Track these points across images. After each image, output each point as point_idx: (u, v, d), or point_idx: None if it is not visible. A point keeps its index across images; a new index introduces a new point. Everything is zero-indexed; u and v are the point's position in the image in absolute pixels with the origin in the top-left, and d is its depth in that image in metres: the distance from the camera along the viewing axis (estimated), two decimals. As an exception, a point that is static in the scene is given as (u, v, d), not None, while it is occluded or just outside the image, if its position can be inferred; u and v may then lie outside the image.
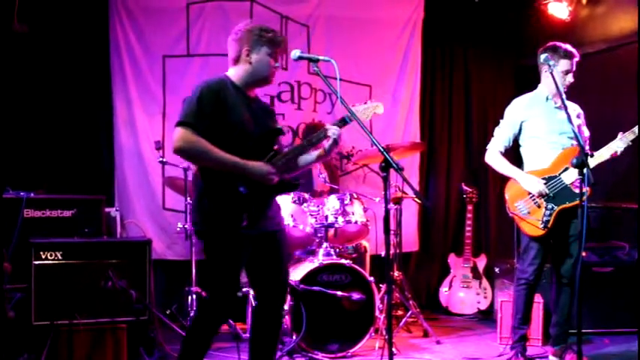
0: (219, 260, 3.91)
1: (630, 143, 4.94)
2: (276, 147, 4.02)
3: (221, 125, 3.83)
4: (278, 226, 4.12)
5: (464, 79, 7.87)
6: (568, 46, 5.05)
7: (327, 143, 4.08)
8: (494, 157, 5.27)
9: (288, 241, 4.30)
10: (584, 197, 4.77)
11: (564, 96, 4.90)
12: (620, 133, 4.93)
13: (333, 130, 4.03)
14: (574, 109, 5.20)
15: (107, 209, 5.88)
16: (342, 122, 4.07)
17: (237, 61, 4.00)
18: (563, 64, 5.00)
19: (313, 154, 4.18)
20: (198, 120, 3.77)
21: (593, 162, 4.89)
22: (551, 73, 4.72)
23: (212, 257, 3.94)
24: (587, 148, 5.18)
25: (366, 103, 4.29)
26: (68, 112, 6.49)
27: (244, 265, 4.02)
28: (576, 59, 5.05)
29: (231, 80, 3.98)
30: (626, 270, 6.11)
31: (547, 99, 5.11)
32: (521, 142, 5.23)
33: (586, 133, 5.24)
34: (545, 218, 4.95)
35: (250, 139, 3.93)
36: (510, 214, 5.13)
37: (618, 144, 4.93)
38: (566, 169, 4.93)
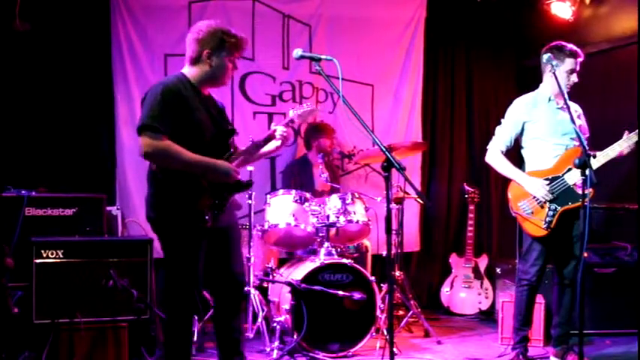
0: (180, 255, 3.98)
1: (633, 146, 4.93)
2: (232, 148, 4.15)
3: (181, 125, 3.87)
4: (228, 222, 4.19)
5: (466, 78, 7.86)
6: (573, 46, 5.04)
7: (274, 142, 4.28)
8: (495, 156, 5.25)
9: (239, 238, 4.40)
10: (587, 198, 4.80)
11: (567, 96, 4.90)
12: (626, 132, 4.92)
13: (280, 130, 4.24)
14: (575, 109, 5.18)
15: (108, 208, 5.87)
16: (290, 122, 4.31)
17: (196, 61, 4.04)
18: (569, 63, 4.98)
19: (263, 150, 4.34)
20: (162, 122, 3.81)
21: (598, 162, 4.89)
22: (554, 73, 4.71)
23: (172, 252, 4.02)
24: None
25: (302, 106, 4.44)
26: (70, 111, 6.48)
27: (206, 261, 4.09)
28: (581, 59, 5.04)
29: (188, 79, 4.02)
30: (628, 271, 6.10)
31: (549, 99, 5.10)
32: (523, 143, 5.21)
33: (586, 133, 5.24)
34: (548, 219, 4.94)
35: (207, 139, 3.99)
36: (513, 214, 5.12)
37: (623, 143, 4.92)
38: (570, 169, 4.92)
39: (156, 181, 3.97)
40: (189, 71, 4.06)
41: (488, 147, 5.33)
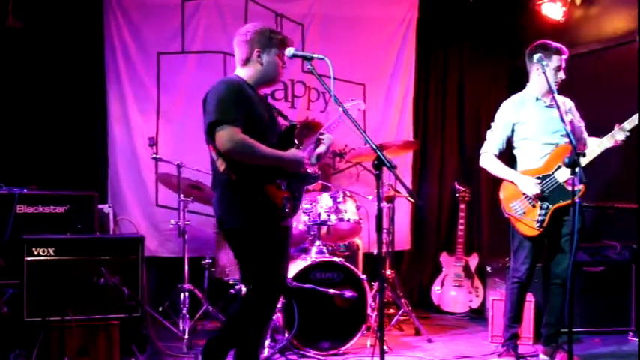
0: (265, 255, 3.92)
1: (618, 140, 4.95)
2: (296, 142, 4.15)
3: (249, 122, 3.85)
4: (291, 222, 4.23)
5: (458, 78, 7.89)
6: (556, 44, 5.08)
7: (320, 148, 4.24)
8: (489, 160, 5.28)
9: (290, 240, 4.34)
10: (577, 196, 4.82)
11: (556, 94, 4.93)
12: (617, 125, 4.95)
13: (325, 137, 4.24)
14: (564, 102, 5.20)
15: (100, 206, 5.87)
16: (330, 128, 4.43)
17: (247, 61, 4.06)
18: (555, 60, 5.01)
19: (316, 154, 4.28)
20: (236, 117, 3.80)
21: (585, 160, 4.91)
22: (544, 73, 4.74)
23: (256, 254, 3.92)
24: (584, 137, 5.20)
25: (350, 101, 4.43)
26: (62, 109, 6.49)
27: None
28: (565, 56, 5.06)
29: (244, 80, 4.03)
30: (617, 269, 6.14)
31: (537, 99, 5.12)
32: (514, 143, 5.23)
33: (581, 124, 5.26)
34: (540, 218, 4.97)
35: (273, 134, 4.02)
36: (506, 215, 5.14)
37: (610, 139, 4.94)
38: (559, 167, 4.93)
39: (229, 182, 3.87)
40: (242, 72, 4.06)
41: (481, 152, 5.35)
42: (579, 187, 4.79)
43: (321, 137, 4.25)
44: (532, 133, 5.11)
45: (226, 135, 3.75)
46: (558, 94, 5.11)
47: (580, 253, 5.95)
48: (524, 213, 5.03)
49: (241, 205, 3.86)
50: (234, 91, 3.87)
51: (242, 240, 3.94)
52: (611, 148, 4.99)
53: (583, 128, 5.26)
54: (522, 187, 5.03)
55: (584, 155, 4.97)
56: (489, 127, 5.35)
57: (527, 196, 5.02)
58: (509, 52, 7.93)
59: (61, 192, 5.54)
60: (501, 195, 5.17)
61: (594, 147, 4.99)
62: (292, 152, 3.99)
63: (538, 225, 4.97)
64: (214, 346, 4.00)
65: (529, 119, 5.11)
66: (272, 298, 4.02)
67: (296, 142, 4.14)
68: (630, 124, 4.92)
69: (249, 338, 4.05)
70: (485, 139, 5.36)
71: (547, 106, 5.08)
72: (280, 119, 4.22)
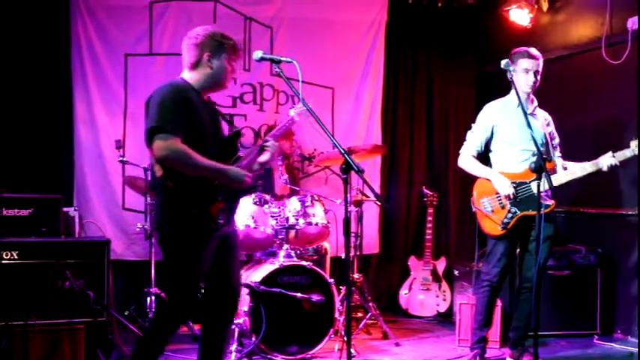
0: (187, 263, 3.88)
1: (603, 168, 4.99)
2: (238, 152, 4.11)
3: (190, 129, 3.81)
4: (234, 226, 4.19)
5: (426, 83, 7.92)
6: (529, 49, 5.12)
7: (264, 156, 4.19)
8: (467, 160, 5.31)
9: (238, 244, 4.31)
10: (550, 207, 4.88)
11: (525, 102, 4.97)
12: (610, 153, 4.96)
13: (270, 144, 4.18)
14: (544, 117, 5.27)
15: (65, 209, 5.81)
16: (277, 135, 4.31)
17: (196, 65, 4.00)
18: (522, 63, 5.04)
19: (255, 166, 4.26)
20: (176, 125, 3.74)
21: (561, 179, 4.97)
22: (512, 79, 4.77)
23: (178, 260, 3.90)
24: (557, 152, 5.25)
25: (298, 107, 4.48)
26: (26, 110, 6.41)
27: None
28: (536, 60, 5.08)
29: (190, 84, 3.98)
30: (582, 273, 6.20)
31: (517, 105, 5.15)
32: (492, 146, 5.27)
33: (556, 140, 5.31)
34: (506, 220, 5.01)
35: (214, 141, 3.97)
36: (474, 209, 5.19)
37: (593, 167, 4.98)
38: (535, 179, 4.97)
39: (165, 189, 3.84)
40: (189, 76, 4.00)
41: (460, 152, 5.38)
42: (549, 202, 4.86)
43: (265, 144, 4.19)
44: (511, 137, 5.15)
45: (163, 144, 3.70)
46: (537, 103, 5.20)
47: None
48: (492, 211, 5.08)
49: (176, 213, 3.83)
50: (178, 97, 3.81)
51: (173, 246, 3.90)
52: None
53: (557, 144, 5.30)
54: (496, 185, 5.07)
55: (550, 160, 5.02)
56: (469, 128, 5.38)
57: (499, 197, 5.06)
58: (477, 57, 8.00)
59: (25, 195, 5.47)
60: (475, 190, 5.21)
61: (568, 172, 5.02)
62: (234, 168, 3.93)
63: (502, 226, 5.01)
64: (137, 350, 4.00)
65: (509, 124, 5.16)
66: (187, 306, 3.94)
67: (240, 148, 4.12)
68: (624, 155, 4.93)
69: (156, 343, 3.98)
70: (453, 143, 5.40)
71: (529, 114, 5.11)
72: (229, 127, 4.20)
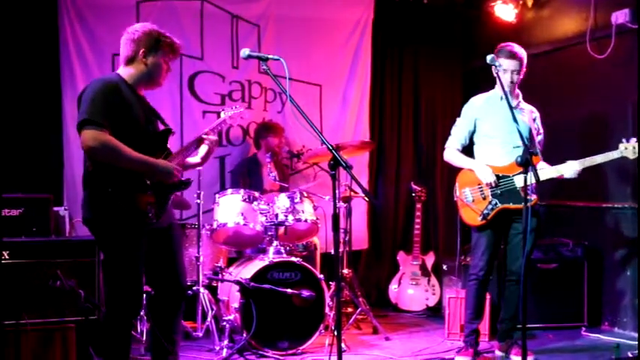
0: (123, 255, 3.93)
1: (566, 175, 5.00)
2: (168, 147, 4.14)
3: (120, 123, 3.85)
4: (169, 221, 4.20)
5: (413, 79, 7.95)
6: (512, 47, 5.16)
7: (203, 149, 4.26)
8: (451, 154, 5.37)
9: (181, 237, 4.38)
10: (532, 202, 4.92)
11: (511, 97, 5.01)
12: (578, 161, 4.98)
13: (210, 137, 4.24)
14: (531, 111, 5.31)
15: (56, 208, 5.82)
16: (212, 130, 4.33)
17: (131, 60, 4.04)
18: (504, 64, 5.09)
19: (192, 159, 4.31)
20: (105, 117, 3.79)
21: (551, 174, 4.99)
22: (497, 74, 4.82)
23: (115, 253, 3.95)
24: (538, 150, 5.30)
25: (231, 108, 4.52)
26: (16, 110, 6.38)
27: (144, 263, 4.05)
28: (515, 59, 5.11)
29: (124, 79, 4.01)
30: (570, 266, 6.26)
31: (501, 99, 5.19)
32: (474, 139, 5.33)
33: (540, 136, 5.35)
34: (486, 211, 5.07)
35: (146, 137, 3.99)
36: (455, 198, 5.25)
37: (570, 168, 4.99)
38: (520, 172, 5.00)
39: (93, 180, 3.89)
40: (124, 71, 4.04)
41: (445, 146, 5.43)
42: (531, 197, 4.91)
43: (204, 137, 4.25)
44: (493, 131, 5.20)
45: (90, 135, 3.75)
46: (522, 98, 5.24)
47: (534, 250, 6.04)
48: (472, 201, 5.14)
49: (105, 205, 3.87)
50: (107, 92, 3.84)
51: (102, 238, 3.96)
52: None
53: (541, 139, 5.35)
54: (479, 174, 5.12)
55: (536, 154, 5.06)
56: (446, 124, 5.42)
57: (481, 187, 5.11)
58: (463, 52, 8.04)
59: (15, 194, 5.48)
60: (458, 180, 5.28)
61: (553, 170, 5.05)
62: (163, 162, 3.97)
63: (482, 217, 5.07)
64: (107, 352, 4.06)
65: (492, 117, 5.20)
66: (128, 300, 3.97)
67: (168, 147, 4.14)
68: (603, 159, 4.94)
69: (114, 339, 4.02)
70: (441, 139, 5.44)
71: (514, 107, 5.14)
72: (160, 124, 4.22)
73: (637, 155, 4.84)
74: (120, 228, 3.89)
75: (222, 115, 4.46)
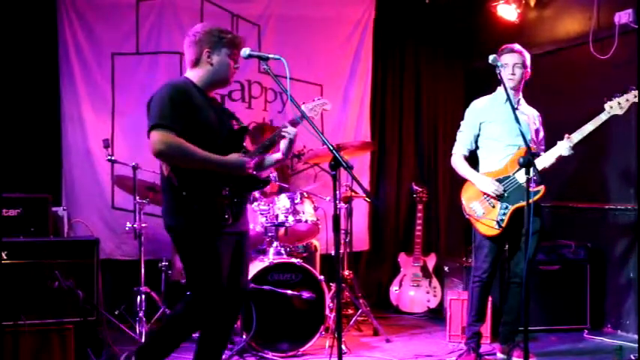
0: (205, 261, 3.89)
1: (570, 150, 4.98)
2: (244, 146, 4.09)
3: (192, 126, 3.81)
4: (244, 228, 4.16)
5: (414, 79, 7.92)
6: (513, 45, 5.15)
7: (283, 144, 4.15)
8: (457, 161, 5.33)
9: (250, 245, 4.31)
10: (537, 197, 4.89)
11: (513, 97, 4.98)
12: (566, 135, 4.98)
13: (289, 130, 4.10)
14: (532, 112, 5.28)
15: (54, 208, 5.80)
16: (294, 123, 4.14)
17: (197, 63, 3.99)
18: (505, 60, 5.06)
19: (273, 156, 4.26)
20: (173, 121, 3.75)
21: (540, 164, 4.96)
22: (499, 74, 4.78)
23: (197, 259, 3.91)
24: (541, 148, 5.27)
25: (313, 100, 4.32)
26: (14, 110, 6.36)
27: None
28: (517, 52, 5.10)
29: (193, 82, 3.97)
30: (572, 268, 6.22)
31: (505, 101, 5.15)
32: (479, 143, 5.29)
33: (540, 135, 5.32)
34: (499, 218, 5.01)
35: (219, 138, 3.95)
36: (466, 216, 5.18)
37: (562, 147, 4.97)
38: (520, 168, 4.97)
39: (171, 186, 3.85)
40: (192, 74, 3.99)
41: (452, 152, 5.39)
42: (539, 188, 4.86)
43: (283, 130, 4.12)
44: (497, 133, 5.16)
45: (158, 137, 3.72)
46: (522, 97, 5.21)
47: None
48: (483, 213, 5.08)
49: (182, 210, 3.84)
50: (176, 95, 3.81)
51: (184, 244, 3.93)
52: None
53: (541, 139, 5.32)
54: (480, 186, 5.08)
55: (538, 155, 5.02)
56: (458, 127, 5.39)
57: (487, 197, 5.06)
58: (465, 52, 8.00)
59: (13, 194, 5.46)
60: (463, 197, 5.21)
61: (549, 153, 5.02)
62: (233, 156, 3.92)
63: (497, 225, 5.01)
64: (150, 346, 4.03)
65: (496, 119, 5.17)
66: (211, 305, 3.94)
67: (245, 145, 4.10)
68: (581, 133, 4.93)
69: (179, 341, 4.03)
70: (442, 139, 5.40)
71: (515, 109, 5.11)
72: (235, 123, 4.18)
73: (625, 109, 4.82)
74: (202, 231, 3.85)
75: (303, 107, 4.24)
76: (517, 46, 5.14)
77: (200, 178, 3.82)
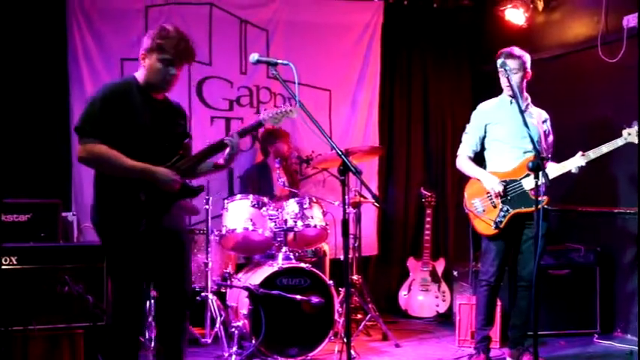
0: (118, 261, 3.94)
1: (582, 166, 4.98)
2: (181, 151, 4.08)
3: (122, 128, 3.84)
4: (179, 226, 4.18)
5: (423, 84, 7.92)
6: (515, 48, 5.13)
7: (226, 152, 4.12)
8: (463, 162, 5.34)
9: (188, 243, 4.36)
10: (544, 203, 4.88)
11: (521, 101, 4.97)
12: (580, 152, 4.96)
13: (230, 139, 4.10)
14: (539, 114, 5.28)
15: (64, 213, 5.81)
16: (243, 132, 4.20)
17: (140, 62, 4.03)
18: (510, 64, 5.04)
19: (210, 162, 4.23)
20: (97, 125, 3.80)
21: (558, 171, 4.97)
22: (508, 78, 4.78)
23: (110, 258, 4.00)
24: (550, 150, 5.27)
25: (275, 107, 4.35)
26: (24, 115, 6.39)
27: (150, 266, 4.03)
28: (522, 59, 5.09)
29: (137, 82, 4.00)
30: (581, 272, 6.20)
31: (511, 103, 5.16)
32: (485, 145, 5.29)
33: (550, 138, 5.32)
34: (498, 219, 5.02)
35: (151, 142, 3.95)
36: (466, 211, 5.21)
37: (575, 162, 4.97)
38: (528, 174, 4.97)
39: (96, 185, 3.94)
40: (138, 74, 4.03)
41: (457, 154, 5.40)
42: (542, 198, 4.86)
43: (225, 139, 4.11)
44: (503, 135, 5.16)
45: (82, 145, 3.82)
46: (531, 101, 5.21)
47: (545, 256, 5.99)
48: (483, 211, 5.09)
49: (100, 209, 3.92)
50: (108, 98, 3.84)
51: (101, 240, 3.99)
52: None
53: (550, 142, 5.32)
54: (485, 184, 5.09)
55: (547, 159, 5.02)
56: (463, 129, 5.40)
57: (490, 196, 5.07)
58: (472, 56, 8.01)
59: (23, 200, 5.48)
60: (466, 191, 5.24)
61: (560, 166, 5.02)
62: (162, 170, 3.90)
63: (495, 225, 5.02)
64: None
65: (502, 121, 5.17)
66: (122, 307, 3.96)
67: (181, 152, 4.08)
68: (595, 153, 4.92)
69: (116, 344, 4.01)
70: (451, 144, 5.40)
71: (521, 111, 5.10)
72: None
73: None
74: (116, 233, 3.90)
75: (262, 115, 4.25)
76: (516, 50, 5.12)
77: (120, 183, 3.85)
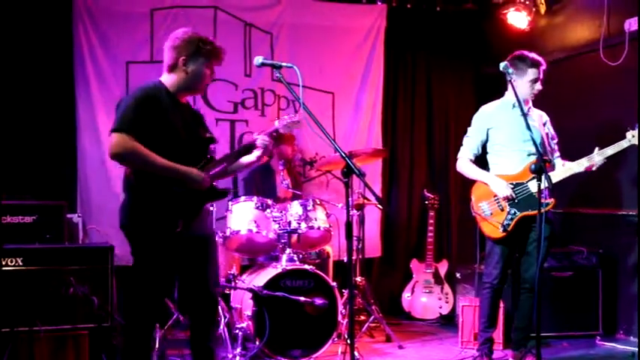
0: (149, 262, 3.95)
1: (601, 163, 5.00)
2: (208, 155, 4.13)
3: (155, 131, 3.88)
4: (208, 231, 4.23)
5: (426, 86, 7.94)
6: (535, 55, 5.14)
7: (256, 152, 4.22)
8: (464, 165, 5.35)
9: (216, 247, 4.39)
10: (550, 205, 4.89)
11: (524, 105, 4.98)
12: (597, 148, 4.99)
13: (262, 139, 4.17)
14: (540, 115, 5.29)
15: (69, 215, 5.84)
16: (275, 132, 4.25)
17: (172, 68, 4.05)
18: (531, 73, 5.07)
19: (244, 160, 4.29)
20: (133, 125, 3.82)
21: (559, 176, 4.99)
22: (511, 82, 4.79)
23: (142, 260, 3.99)
24: (556, 153, 5.28)
25: (289, 118, 4.40)
26: (30, 117, 6.42)
27: (176, 270, 4.08)
28: (543, 67, 5.12)
29: (165, 87, 4.03)
30: (584, 274, 6.21)
31: (513, 106, 5.17)
32: (488, 149, 5.30)
33: (554, 140, 5.34)
34: (506, 222, 5.03)
35: (182, 145, 3.99)
36: (473, 214, 5.21)
37: (594, 158, 4.98)
38: (534, 177, 4.98)
39: (129, 186, 3.94)
40: (166, 79, 4.06)
41: (457, 156, 5.41)
42: (549, 200, 4.87)
43: (257, 140, 4.19)
44: (505, 139, 5.18)
45: (116, 140, 3.82)
46: (532, 104, 5.22)
47: (548, 258, 6.01)
48: (490, 214, 5.10)
49: (135, 210, 3.93)
50: (142, 100, 3.88)
51: (133, 243, 4.00)
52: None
53: (555, 145, 5.34)
54: (494, 188, 5.10)
55: (549, 162, 5.04)
56: (465, 132, 5.41)
57: (497, 199, 5.08)
58: (476, 60, 8.02)
59: (29, 202, 5.51)
60: (473, 194, 5.24)
61: (565, 169, 5.05)
62: (193, 170, 3.95)
63: (502, 229, 5.03)
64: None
65: (503, 125, 5.18)
66: (145, 309, 4.00)
67: (209, 156, 4.13)
68: (614, 149, 4.95)
69: (132, 344, 4.04)
70: (454, 146, 5.42)
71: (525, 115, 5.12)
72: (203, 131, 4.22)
73: None
74: (150, 234, 3.92)
75: (276, 123, 4.35)
76: (539, 58, 5.14)
77: (156, 183, 3.88)
